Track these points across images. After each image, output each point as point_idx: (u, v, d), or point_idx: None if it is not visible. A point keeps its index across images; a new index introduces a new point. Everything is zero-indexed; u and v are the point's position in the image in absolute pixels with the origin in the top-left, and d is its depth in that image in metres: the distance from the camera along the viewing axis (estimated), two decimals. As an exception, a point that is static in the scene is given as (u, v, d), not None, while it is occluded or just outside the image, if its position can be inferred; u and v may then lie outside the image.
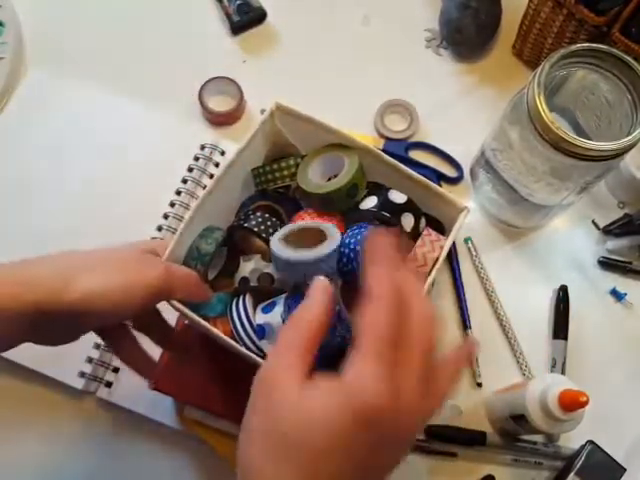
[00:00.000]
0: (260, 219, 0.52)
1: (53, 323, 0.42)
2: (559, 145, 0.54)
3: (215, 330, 0.47)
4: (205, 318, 0.49)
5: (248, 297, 0.50)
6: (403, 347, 0.35)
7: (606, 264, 0.72)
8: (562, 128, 0.53)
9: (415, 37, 0.82)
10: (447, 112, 0.78)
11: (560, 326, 0.68)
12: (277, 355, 0.36)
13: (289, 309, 0.47)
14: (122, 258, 0.46)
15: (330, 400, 0.33)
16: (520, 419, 0.57)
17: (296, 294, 0.48)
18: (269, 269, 0.51)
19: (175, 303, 0.46)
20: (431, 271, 0.49)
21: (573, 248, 0.73)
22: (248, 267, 0.51)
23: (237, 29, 0.81)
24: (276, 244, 0.49)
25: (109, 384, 0.64)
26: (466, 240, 0.72)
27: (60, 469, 0.63)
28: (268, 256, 0.51)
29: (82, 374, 0.64)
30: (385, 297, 0.35)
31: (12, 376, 0.65)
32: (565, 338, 0.68)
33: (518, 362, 0.68)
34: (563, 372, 0.66)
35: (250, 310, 0.49)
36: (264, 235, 0.51)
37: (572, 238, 0.73)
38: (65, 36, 0.80)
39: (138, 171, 0.72)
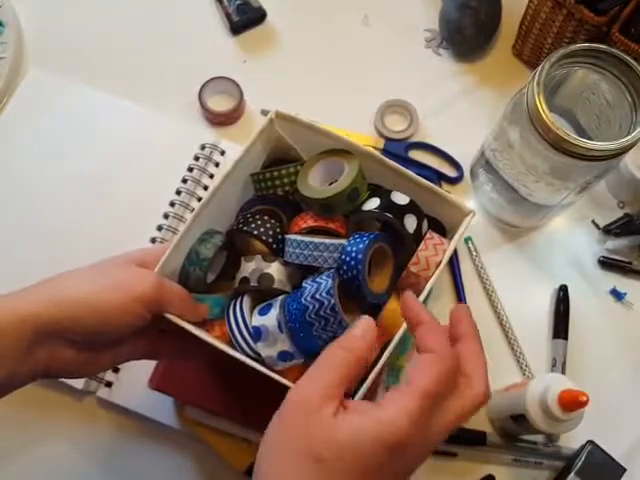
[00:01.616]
0: (260, 222, 0.52)
1: (51, 339, 0.41)
2: (559, 145, 0.54)
3: (210, 339, 0.46)
4: (203, 320, 0.49)
5: (246, 299, 0.50)
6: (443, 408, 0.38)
7: (606, 264, 0.72)
8: (562, 128, 0.53)
9: (415, 37, 0.82)
10: (447, 112, 0.78)
11: (560, 326, 0.68)
12: (318, 379, 0.38)
13: (287, 310, 0.47)
14: (111, 271, 0.45)
15: (366, 427, 0.36)
16: (520, 419, 0.57)
17: (293, 296, 0.49)
18: (270, 269, 0.51)
19: (168, 315, 0.46)
20: (433, 274, 0.49)
21: (573, 248, 0.73)
22: (249, 267, 0.51)
23: (237, 29, 0.81)
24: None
25: (109, 384, 0.64)
26: (466, 240, 0.72)
27: (60, 469, 0.63)
28: (269, 258, 0.51)
29: (82, 374, 0.64)
30: (449, 359, 0.39)
31: (12, 376, 0.65)
32: (565, 338, 0.68)
33: (518, 362, 0.68)
34: (563, 372, 0.66)
35: (247, 312, 0.49)
36: (264, 238, 0.51)
37: (572, 238, 0.73)
38: (65, 36, 0.80)
39: (138, 171, 0.72)
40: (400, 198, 0.51)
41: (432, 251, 0.49)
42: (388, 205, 0.50)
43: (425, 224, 0.52)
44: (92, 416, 0.64)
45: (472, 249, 0.72)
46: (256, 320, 0.48)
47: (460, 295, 0.69)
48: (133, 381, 0.63)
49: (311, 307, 0.46)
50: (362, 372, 0.40)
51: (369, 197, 0.52)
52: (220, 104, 0.76)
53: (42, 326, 0.40)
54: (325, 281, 0.46)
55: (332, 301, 0.45)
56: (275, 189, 0.54)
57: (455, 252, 0.71)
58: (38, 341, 0.41)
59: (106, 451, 0.64)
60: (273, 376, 0.44)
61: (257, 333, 0.47)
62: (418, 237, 0.50)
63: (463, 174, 0.75)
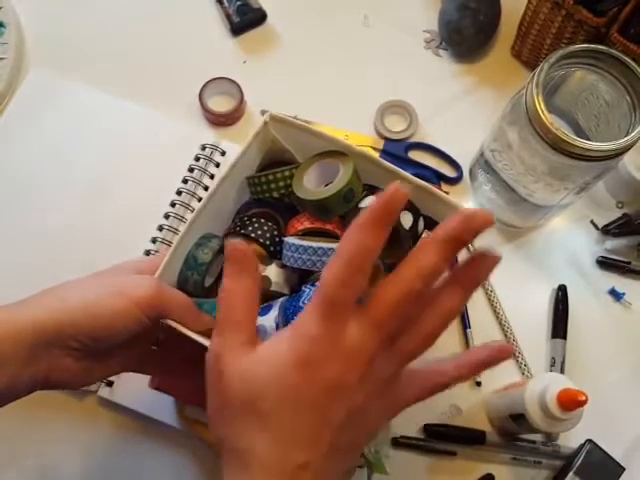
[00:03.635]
0: (257, 224, 0.52)
1: (51, 348, 0.41)
2: (558, 145, 0.54)
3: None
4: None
5: None
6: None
7: (605, 264, 0.72)
8: (561, 129, 0.54)
9: (415, 38, 0.83)
10: (446, 113, 0.79)
11: (559, 325, 0.69)
12: (216, 336, 0.37)
13: (285, 313, 0.48)
14: (109, 277, 0.45)
15: (274, 352, 0.34)
16: (519, 418, 0.58)
17: (291, 299, 0.49)
18: (267, 272, 0.51)
19: (167, 320, 0.45)
20: None
21: (572, 248, 0.73)
22: None
23: (237, 30, 0.81)
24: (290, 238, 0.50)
25: (110, 383, 0.64)
26: (465, 240, 0.72)
27: (61, 468, 0.63)
28: (266, 261, 0.51)
29: (83, 373, 0.64)
30: (348, 255, 0.33)
31: (13, 376, 0.65)
32: (564, 337, 0.68)
33: (517, 361, 0.68)
34: (562, 371, 0.66)
35: None
36: (262, 240, 0.52)
37: (571, 238, 0.74)
38: (66, 36, 0.80)
39: (139, 171, 0.73)
40: None
41: None
42: None
43: (421, 222, 0.52)
44: (93, 415, 0.64)
45: (471, 249, 0.72)
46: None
47: (459, 295, 0.69)
48: (134, 381, 0.63)
49: None
50: (257, 302, 0.38)
51: (365, 197, 0.52)
52: (220, 105, 0.76)
53: (42, 334, 0.40)
54: None
55: None
56: (271, 192, 0.54)
57: (454, 252, 0.71)
58: (39, 349, 0.41)
59: (106, 450, 0.64)
60: None
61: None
62: (414, 235, 0.50)
63: (462, 174, 0.75)
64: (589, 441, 0.61)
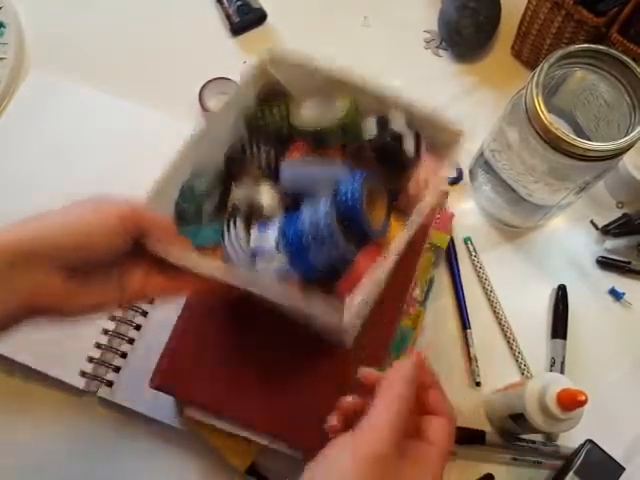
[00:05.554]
0: (255, 149, 0.52)
1: (35, 267, 0.41)
2: (558, 145, 0.54)
3: (207, 266, 0.45)
4: (202, 249, 0.49)
5: (239, 220, 0.51)
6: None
7: (605, 264, 0.72)
8: (561, 129, 0.54)
9: (414, 38, 0.83)
10: (446, 113, 0.78)
11: (559, 325, 0.69)
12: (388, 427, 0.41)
13: (284, 234, 0.48)
14: (90, 200, 0.46)
15: (343, 451, 0.39)
16: (519, 418, 0.58)
17: (290, 219, 0.49)
18: (260, 195, 0.52)
19: (159, 247, 0.45)
20: (431, 196, 0.49)
21: (572, 248, 0.73)
22: (240, 193, 0.51)
23: (237, 30, 0.81)
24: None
25: (110, 383, 0.64)
26: (466, 240, 0.72)
27: (61, 468, 0.63)
28: (260, 182, 0.52)
29: (83, 373, 0.64)
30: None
31: (13, 375, 0.65)
32: (564, 337, 0.68)
33: (517, 361, 0.68)
34: (562, 371, 0.66)
35: (241, 232, 0.50)
36: (258, 163, 0.52)
37: (571, 238, 0.74)
38: (66, 37, 0.80)
39: (138, 171, 0.72)
40: (396, 124, 0.51)
41: (429, 172, 0.50)
42: (385, 130, 0.50)
43: (424, 146, 0.52)
44: (93, 415, 0.64)
45: (471, 249, 0.72)
46: (254, 240, 0.49)
47: (459, 295, 0.69)
48: (134, 381, 0.63)
49: (308, 230, 0.46)
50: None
51: (364, 126, 0.52)
52: (220, 105, 0.76)
53: (20, 252, 0.40)
54: (323, 206, 0.47)
55: (329, 224, 0.46)
56: (267, 126, 0.53)
57: (454, 252, 0.71)
58: (18, 269, 0.40)
59: (107, 450, 0.64)
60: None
61: (254, 253, 0.48)
62: (416, 159, 0.51)
63: (462, 175, 0.75)
64: (589, 441, 0.61)
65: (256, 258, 0.48)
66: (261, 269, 0.48)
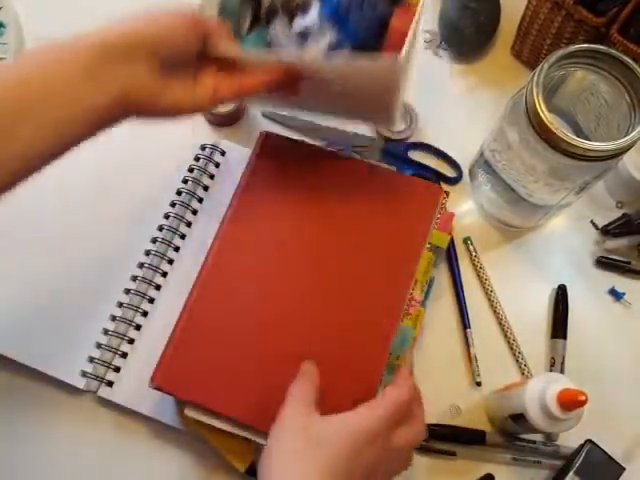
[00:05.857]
0: None
1: (120, 61, 0.45)
2: (558, 145, 0.54)
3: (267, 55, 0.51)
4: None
5: (280, 17, 0.55)
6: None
7: (605, 264, 0.72)
8: (561, 128, 0.53)
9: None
10: (446, 113, 0.79)
11: (559, 325, 0.69)
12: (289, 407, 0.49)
13: (324, 6, 0.53)
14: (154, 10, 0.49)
15: (349, 416, 0.46)
16: (519, 418, 0.58)
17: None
18: None
19: (223, 46, 0.50)
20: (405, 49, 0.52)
21: (572, 248, 0.73)
22: None
23: (237, 29, 0.81)
24: None
25: (110, 383, 0.64)
26: (465, 240, 0.72)
27: (60, 468, 0.63)
28: None
29: (83, 373, 0.64)
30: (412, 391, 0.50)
31: (13, 375, 0.65)
32: (564, 337, 0.68)
33: (517, 361, 0.68)
34: (562, 371, 0.67)
35: (284, 26, 0.55)
36: None
37: (571, 238, 0.74)
38: (66, 37, 0.80)
39: (138, 171, 0.73)
40: None
41: (404, 21, 0.54)
42: None
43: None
44: (93, 415, 0.65)
45: (471, 249, 0.72)
46: (298, 26, 0.54)
47: (459, 295, 0.69)
48: (134, 380, 0.63)
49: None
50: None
51: None
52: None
53: (106, 47, 0.45)
54: None
55: None
56: None
57: (454, 252, 0.71)
58: (106, 64, 0.44)
59: (107, 450, 0.64)
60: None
61: (303, 37, 0.53)
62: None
63: (462, 175, 0.75)
64: (589, 441, 0.61)
65: (305, 41, 0.52)
66: (314, 53, 0.52)
